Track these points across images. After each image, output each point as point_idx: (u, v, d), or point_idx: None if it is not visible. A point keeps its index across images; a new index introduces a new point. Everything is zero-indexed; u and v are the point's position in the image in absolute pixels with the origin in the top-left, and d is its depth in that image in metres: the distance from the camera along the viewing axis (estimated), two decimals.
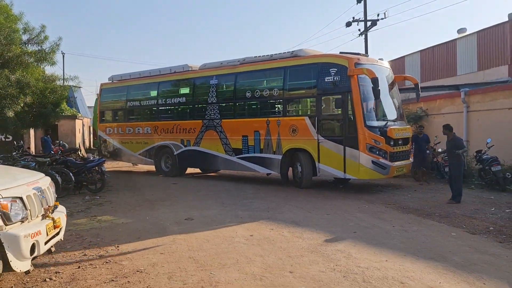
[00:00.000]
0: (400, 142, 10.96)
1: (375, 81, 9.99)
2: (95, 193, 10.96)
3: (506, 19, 20.50)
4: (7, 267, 3.75)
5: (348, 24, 23.51)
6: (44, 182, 4.69)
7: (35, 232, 3.96)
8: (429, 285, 4.54)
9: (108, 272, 4.93)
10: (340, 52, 11.41)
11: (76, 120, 24.08)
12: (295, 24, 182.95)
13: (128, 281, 4.63)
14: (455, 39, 24.26)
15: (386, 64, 12.23)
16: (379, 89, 10.04)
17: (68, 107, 25.53)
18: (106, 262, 5.30)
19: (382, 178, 10.94)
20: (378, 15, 23.24)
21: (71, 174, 10.60)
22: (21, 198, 3.99)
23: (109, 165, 17.59)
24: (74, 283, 4.57)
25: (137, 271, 4.97)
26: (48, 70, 14.13)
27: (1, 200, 3.75)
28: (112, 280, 4.66)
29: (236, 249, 5.86)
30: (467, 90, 14.62)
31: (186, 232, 6.85)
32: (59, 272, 4.90)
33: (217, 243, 6.17)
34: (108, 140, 16.99)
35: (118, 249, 5.89)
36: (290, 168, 12.06)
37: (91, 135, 34.61)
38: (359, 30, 23.95)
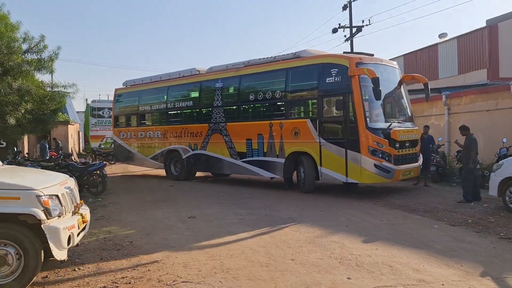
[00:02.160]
0: (407, 144, 10.65)
1: (375, 81, 9.72)
2: (96, 196, 11.41)
3: (484, 24, 21.54)
4: (51, 254, 4.30)
5: (335, 31, 24.35)
6: (72, 182, 5.24)
7: (71, 225, 4.51)
8: (414, 268, 5.18)
9: (128, 263, 5.48)
10: (344, 52, 11.32)
11: (69, 126, 24.38)
12: (284, 29, 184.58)
13: (148, 270, 5.19)
14: (437, 44, 25.27)
15: (392, 63, 11.81)
16: (380, 90, 9.76)
17: (61, 113, 25.85)
18: (124, 255, 5.84)
19: (387, 182, 10.67)
20: (363, 21, 24.17)
21: (73, 177, 11.01)
22: (57, 196, 4.52)
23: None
24: (101, 272, 5.12)
25: (154, 261, 5.53)
26: (40, 77, 14.42)
27: (43, 197, 4.28)
28: (134, 269, 5.22)
29: (240, 242, 6.44)
30: (448, 93, 15.45)
31: (191, 228, 7.41)
32: (84, 263, 5.45)
33: (222, 237, 6.74)
34: (121, 145, 17.32)
35: (132, 244, 6.43)
36: (295, 172, 11.88)
37: (80, 140, 34.93)
38: (345, 36, 24.82)
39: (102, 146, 25.73)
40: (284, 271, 5.11)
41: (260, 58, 12.92)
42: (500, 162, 9.10)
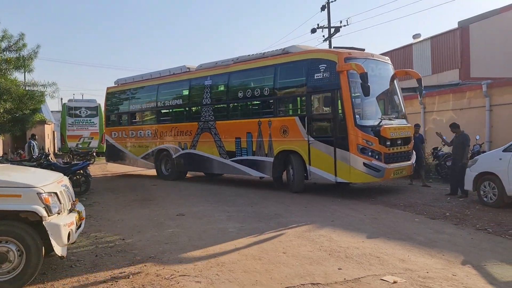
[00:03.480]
0: (399, 142, 10.36)
1: (363, 76, 9.39)
2: (80, 196, 11.31)
3: (456, 26, 22.31)
4: (49, 251, 4.37)
5: (313, 31, 24.75)
6: (67, 180, 5.30)
7: (70, 222, 4.59)
8: (400, 258, 5.46)
9: (124, 259, 5.57)
10: (334, 47, 11.05)
11: (45, 125, 23.94)
12: (261, 30, 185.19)
13: (145, 265, 5.30)
14: (411, 44, 25.97)
15: (384, 58, 11.44)
16: (369, 85, 9.42)
17: (37, 112, 25.32)
18: (119, 252, 5.92)
19: (377, 181, 10.46)
20: (341, 22, 24.64)
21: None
22: (56, 193, 4.59)
23: None
24: (98, 268, 5.19)
25: (149, 257, 5.63)
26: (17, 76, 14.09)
27: (44, 194, 4.35)
28: (131, 265, 5.31)
29: (231, 238, 6.60)
30: (424, 92, 15.96)
31: (182, 225, 7.53)
32: (80, 260, 5.51)
33: (214, 234, 6.89)
34: (113, 144, 17.14)
35: (124, 241, 6.50)
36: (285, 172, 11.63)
37: (56, 140, 34.27)
38: (324, 36, 25.26)
39: (80, 146, 25.38)
40: (278, 263, 5.30)
41: (249, 55, 12.77)
42: (475, 158, 9.56)
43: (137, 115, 16.46)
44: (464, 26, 21.80)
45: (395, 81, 11.26)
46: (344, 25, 24.36)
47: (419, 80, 11.27)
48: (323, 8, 24.82)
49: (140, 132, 15.87)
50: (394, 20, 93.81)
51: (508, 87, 12.94)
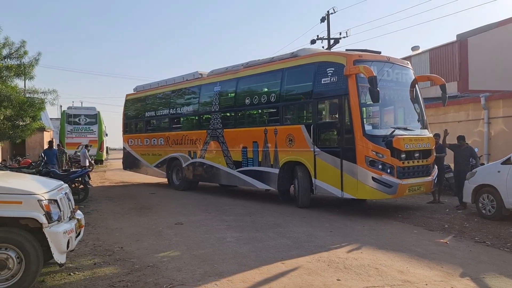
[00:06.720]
0: (416, 155, 9.40)
1: (372, 80, 8.51)
2: (79, 203, 11.30)
3: (455, 39, 22.49)
4: (49, 258, 4.37)
5: (313, 42, 24.97)
6: (67, 188, 5.31)
7: (70, 229, 4.59)
8: (398, 270, 5.46)
9: (122, 267, 5.55)
10: (346, 49, 10.53)
11: (44, 132, 23.95)
12: (260, 41, 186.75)
13: (144, 274, 5.28)
14: (410, 56, 26.11)
15: (403, 62, 10.52)
16: (378, 91, 8.53)
17: (37, 120, 25.35)
18: (117, 260, 5.91)
19: (389, 198, 9.36)
20: (340, 33, 24.82)
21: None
22: (56, 201, 4.60)
23: None
24: (96, 276, 5.18)
25: (148, 266, 5.61)
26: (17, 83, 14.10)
27: (44, 201, 4.36)
28: (129, 273, 5.30)
29: (230, 247, 6.59)
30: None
31: (180, 234, 7.51)
32: (79, 268, 5.50)
33: (212, 243, 6.87)
34: (129, 152, 17.16)
35: (123, 250, 6.49)
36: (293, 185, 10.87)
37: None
38: (323, 47, 25.39)
39: (78, 154, 25.36)
40: (276, 273, 5.29)
41: (259, 60, 12.21)
42: (474, 170, 9.59)
43: (151, 122, 16.42)
44: (462, 39, 21.98)
45: (415, 87, 10.36)
46: (344, 37, 24.64)
47: (442, 86, 10.23)
48: (323, 20, 25.05)
49: (154, 140, 15.73)
50: (393, 33, 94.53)
51: (506, 100, 13.04)
